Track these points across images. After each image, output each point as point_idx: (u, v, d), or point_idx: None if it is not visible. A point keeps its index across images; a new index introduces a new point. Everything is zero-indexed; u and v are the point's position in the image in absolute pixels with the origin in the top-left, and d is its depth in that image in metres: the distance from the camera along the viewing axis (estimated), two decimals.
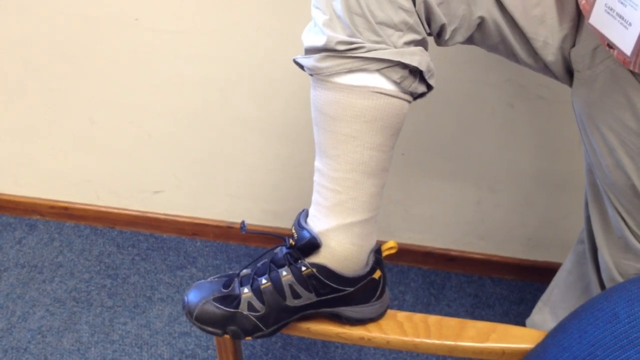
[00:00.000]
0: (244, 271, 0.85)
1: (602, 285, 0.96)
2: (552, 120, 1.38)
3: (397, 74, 0.76)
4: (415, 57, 0.76)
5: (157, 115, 1.54)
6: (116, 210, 1.75)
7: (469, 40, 0.84)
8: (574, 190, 1.44)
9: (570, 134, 1.38)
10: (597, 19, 0.72)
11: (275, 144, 1.54)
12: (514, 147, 1.44)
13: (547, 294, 1.12)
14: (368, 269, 0.83)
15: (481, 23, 0.80)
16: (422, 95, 0.82)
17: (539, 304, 1.13)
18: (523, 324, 1.12)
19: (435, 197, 1.57)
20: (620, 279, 0.91)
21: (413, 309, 1.57)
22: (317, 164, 0.82)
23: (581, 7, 0.75)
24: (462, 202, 1.56)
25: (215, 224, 1.72)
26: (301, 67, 0.80)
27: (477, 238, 1.62)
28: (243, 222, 0.86)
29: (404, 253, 1.66)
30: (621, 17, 0.68)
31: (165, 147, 1.60)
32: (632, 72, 0.74)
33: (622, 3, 0.67)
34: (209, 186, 1.66)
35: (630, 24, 0.67)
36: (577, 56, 0.81)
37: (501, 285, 1.64)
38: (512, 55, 0.85)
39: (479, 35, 0.82)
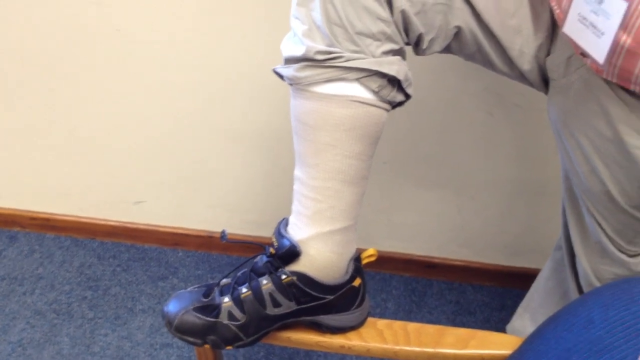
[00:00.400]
0: (224, 280, 0.85)
1: (580, 291, 0.97)
2: (529, 128, 1.39)
3: (376, 83, 0.76)
4: (394, 67, 0.77)
5: (138, 126, 1.54)
6: (97, 221, 1.74)
7: (447, 50, 0.85)
8: (552, 196, 1.46)
9: (546, 140, 1.39)
10: (571, 28, 0.73)
11: (255, 153, 1.54)
12: (493, 154, 1.45)
13: (527, 300, 1.13)
14: (348, 277, 0.83)
15: (458, 33, 0.81)
16: (400, 104, 0.82)
17: (519, 310, 1.14)
18: (504, 330, 1.13)
19: (417, 205, 1.57)
20: (597, 284, 0.92)
21: (395, 316, 1.57)
22: (297, 172, 0.82)
23: (556, 16, 0.76)
24: (443, 210, 1.57)
25: (197, 234, 1.72)
26: (281, 76, 0.80)
27: (458, 245, 1.63)
28: (223, 231, 0.86)
29: (386, 261, 1.66)
30: (594, 26, 0.69)
31: (146, 157, 1.60)
32: (606, 81, 0.75)
33: (594, 12, 0.68)
34: (190, 196, 1.65)
35: (602, 33, 0.68)
36: (552, 65, 0.82)
37: (482, 292, 1.65)
38: (488, 64, 0.86)
39: (456, 44, 0.83)
